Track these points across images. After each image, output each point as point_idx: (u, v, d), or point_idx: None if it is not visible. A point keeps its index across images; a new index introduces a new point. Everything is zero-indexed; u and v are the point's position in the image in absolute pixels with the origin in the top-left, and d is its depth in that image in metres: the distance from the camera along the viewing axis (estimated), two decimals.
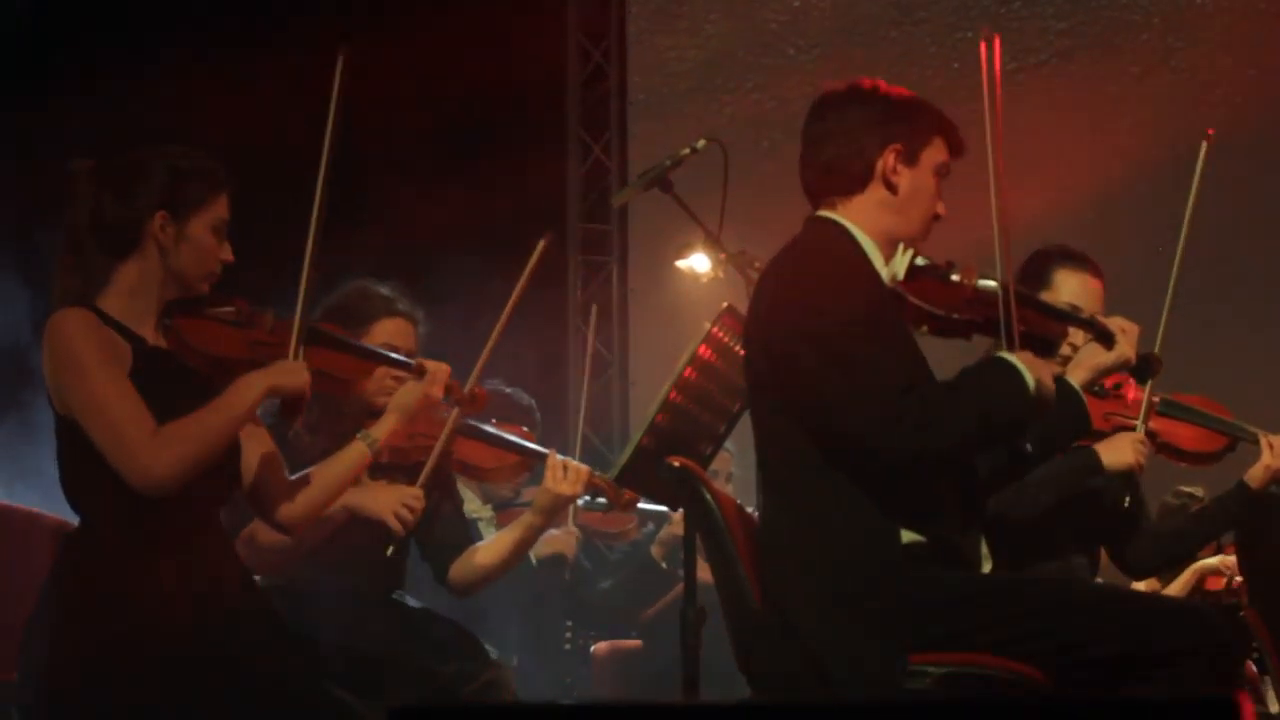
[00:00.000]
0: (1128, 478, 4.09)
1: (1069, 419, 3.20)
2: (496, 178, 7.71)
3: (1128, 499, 4.17)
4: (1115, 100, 8.50)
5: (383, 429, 3.50)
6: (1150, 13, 8.51)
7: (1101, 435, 4.18)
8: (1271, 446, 4.34)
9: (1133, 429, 4.11)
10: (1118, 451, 4.03)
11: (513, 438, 4.19)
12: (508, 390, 5.56)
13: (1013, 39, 8.40)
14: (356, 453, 3.46)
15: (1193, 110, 8.36)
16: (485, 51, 8.06)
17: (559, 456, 4.05)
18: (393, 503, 3.79)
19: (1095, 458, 4.03)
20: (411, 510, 3.80)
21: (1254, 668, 5.97)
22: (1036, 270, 4.08)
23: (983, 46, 3.14)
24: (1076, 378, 3.25)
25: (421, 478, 3.85)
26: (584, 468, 4.03)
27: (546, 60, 8.75)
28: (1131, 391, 4.22)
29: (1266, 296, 8.05)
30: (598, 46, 8.82)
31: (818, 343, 3.05)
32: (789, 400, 3.12)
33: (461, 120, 7.87)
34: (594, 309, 5.37)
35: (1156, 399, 4.21)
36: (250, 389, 3.13)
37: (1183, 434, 4.38)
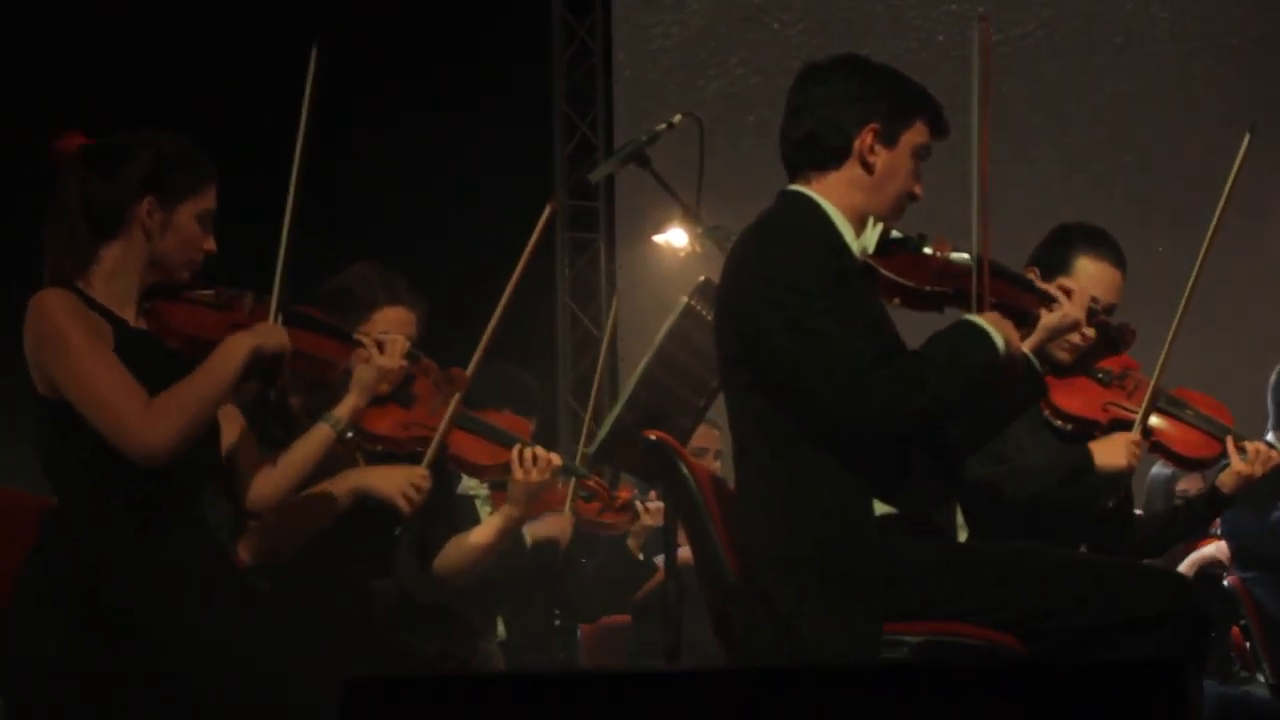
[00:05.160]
0: (1118, 480, 3.97)
1: (1021, 385, 3.17)
2: (483, 156, 7.71)
3: (1112, 502, 4.07)
4: (1099, 71, 8.50)
5: (345, 407, 3.48)
6: None
7: (1098, 425, 4.03)
8: (1241, 451, 4.12)
9: (1130, 425, 3.98)
10: (1111, 453, 3.92)
11: (507, 432, 4.07)
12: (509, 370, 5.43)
13: (997, 10, 8.40)
14: (320, 434, 3.44)
15: (1175, 80, 8.36)
16: (471, 29, 8.06)
17: (527, 448, 3.96)
18: (400, 483, 3.75)
19: (1088, 457, 3.93)
20: (419, 490, 3.78)
21: (1241, 636, 6.00)
22: (1059, 252, 3.98)
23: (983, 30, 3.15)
24: (1027, 342, 3.21)
25: (426, 459, 3.81)
26: (553, 455, 3.96)
27: (532, 37, 8.77)
28: (1136, 380, 4.06)
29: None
30: (583, 24, 8.82)
31: (784, 316, 3.05)
32: (758, 373, 3.13)
33: (447, 98, 7.87)
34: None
35: (1159, 393, 4.02)
36: (235, 351, 3.15)
37: (1178, 437, 4.15)
